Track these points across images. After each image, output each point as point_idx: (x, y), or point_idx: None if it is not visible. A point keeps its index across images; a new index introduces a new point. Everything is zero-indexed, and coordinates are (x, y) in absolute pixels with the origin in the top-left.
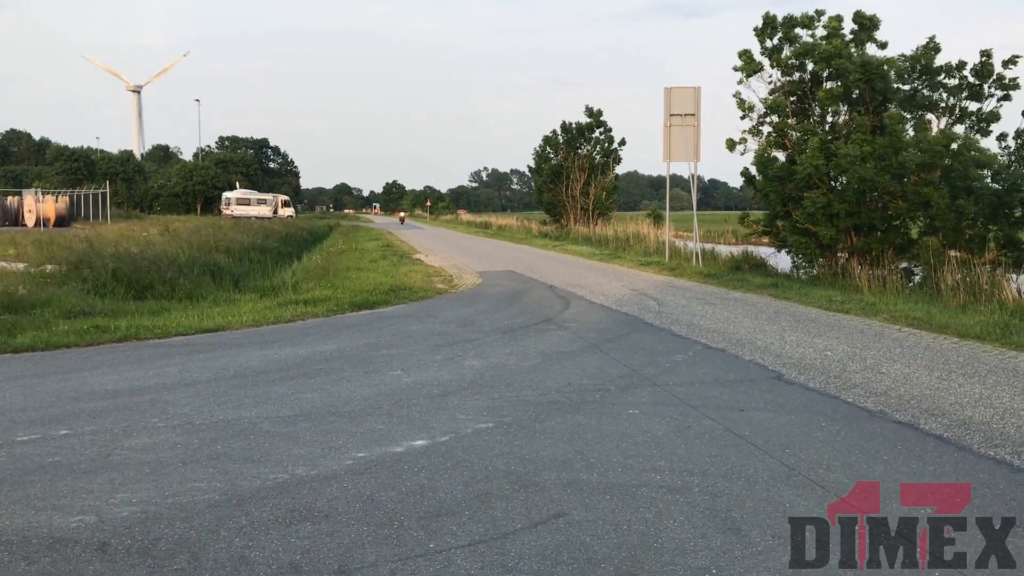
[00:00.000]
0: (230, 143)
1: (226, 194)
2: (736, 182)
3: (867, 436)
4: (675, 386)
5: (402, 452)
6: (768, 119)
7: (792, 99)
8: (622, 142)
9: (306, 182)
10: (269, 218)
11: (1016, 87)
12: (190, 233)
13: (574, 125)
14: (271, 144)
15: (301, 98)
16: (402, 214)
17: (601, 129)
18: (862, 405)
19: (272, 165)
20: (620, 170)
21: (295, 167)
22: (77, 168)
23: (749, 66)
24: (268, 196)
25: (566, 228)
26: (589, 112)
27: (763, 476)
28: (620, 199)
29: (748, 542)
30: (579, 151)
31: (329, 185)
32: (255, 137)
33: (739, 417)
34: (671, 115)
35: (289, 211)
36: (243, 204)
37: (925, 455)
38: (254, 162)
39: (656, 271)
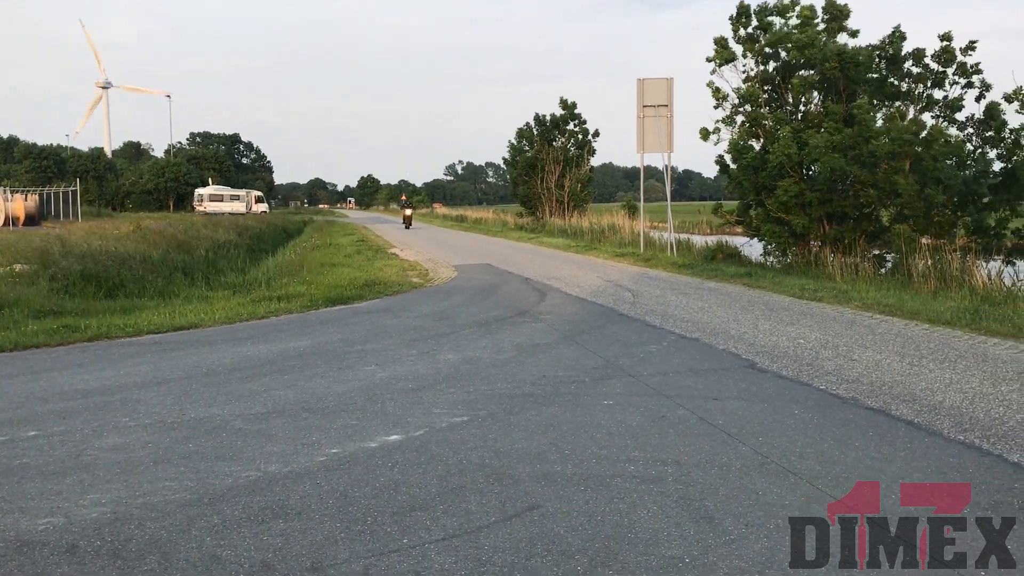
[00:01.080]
0: (202, 139)
1: (199, 191)
2: (710, 172)
3: (839, 423)
4: (649, 376)
5: (376, 448)
6: (742, 108)
7: (766, 88)
8: (596, 134)
9: (280, 177)
10: (242, 214)
11: (978, 72)
12: (162, 230)
13: (548, 117)
14: (243, 139)
15: (274, 93)
16: (408, 212)
17: (575, 121)
18: (834, 392)
19: (245, 161)
20: (595, 162)
21: (268, 162)
22: (47, 166)
23: (723, 55)
24: (241, 192)
25: (542, 221)
26: (563, 104)
27: (736, 465)
28: (595, 191)
29: (721, 531)
30: (553, 143)
31: (303, 180)
32: (227, 133)
33: (713, 406)
34: (644, 106)
35: (263, 207)
36: (216, 200)
37: (896, 441)
38: (226, 158)
39: (631, 262)
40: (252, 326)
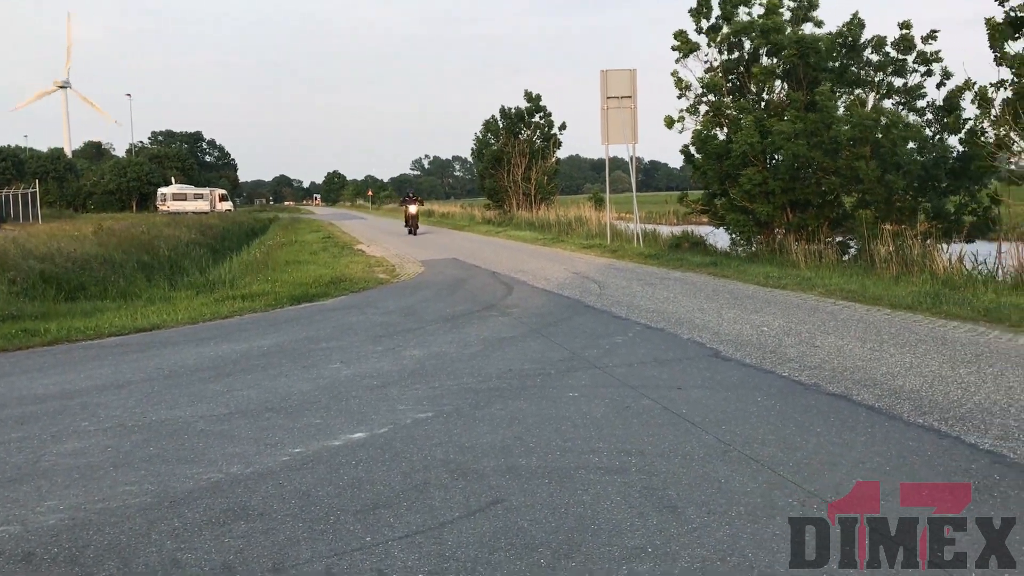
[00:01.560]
0: (164, 137)
1: (162, 190)
2: (677, 163)
3: (801, 409)
4: (615, 367)
5: (340, 446)
6: (705, 98)
7: (729, 77)
8: (562, 126)
9: (244, 175)
10: (207, 213)
11: (938, 60)
12: (124, 231)
13: (513, 110)
14: (206, 137)
15: (237, 90)
16: (413, 209)
17: (541, 114)
18: (797, 379)
19: (208, 159)
20: (561, 154)
21: (232, 160)
22: (4, 168)
23: (686, 46)
24: (205, 191)
25: (509, 214)
26: (528, 97)
27: (699, 453)
28: (562, 183)
29: (684, 519)
30: (519, 136)
31: (268, 177)
32: (189, 131)
33: (677, 395)
34: (608, 98)
35: (227, 205)
36: (179, 200)
37: (857, 425)
38: (189, 156)
39: (598, 254)
40: (216, 326)
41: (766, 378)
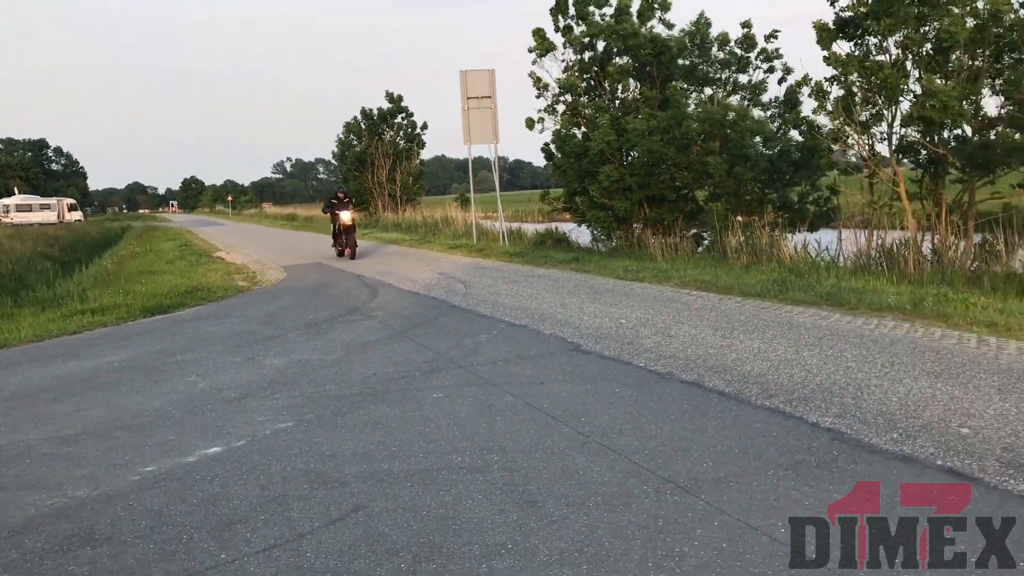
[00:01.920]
0: (4, 145)
1: (3, 201)
2: (541, 161)
3: (656, 398)
4: (479, 366)
5: (194, 462)
6: (563, 98)
7: (585, 77)
8: (424, 126)
9: (95, 183)
10: (54, 224)
11: (779, 57)
12: None
13: (375, 111)
14: (51, 145)
15: (84, 95)
16: (348, 217)
17: (403, 114)
18: (653, 368)
19: (55, 167)
20: (426, 154)
21: (81, 168)
22: None
23: (542, 46)
24: (52, 200)
25: (375, 216)
26: (390, 97)
27: (559, 446)
28: (429, 184)
29: (543, 513)
30: (382, 137)
31: (121, 185)
32: (33, 138)
33: (539, 391)
34: (468, 98)
35: (77, 215)
36: (24, 211)
37: (708, 411)
38: (33, 165)
39: (465, 253)
40: (63, 342)
41: (624, 369)
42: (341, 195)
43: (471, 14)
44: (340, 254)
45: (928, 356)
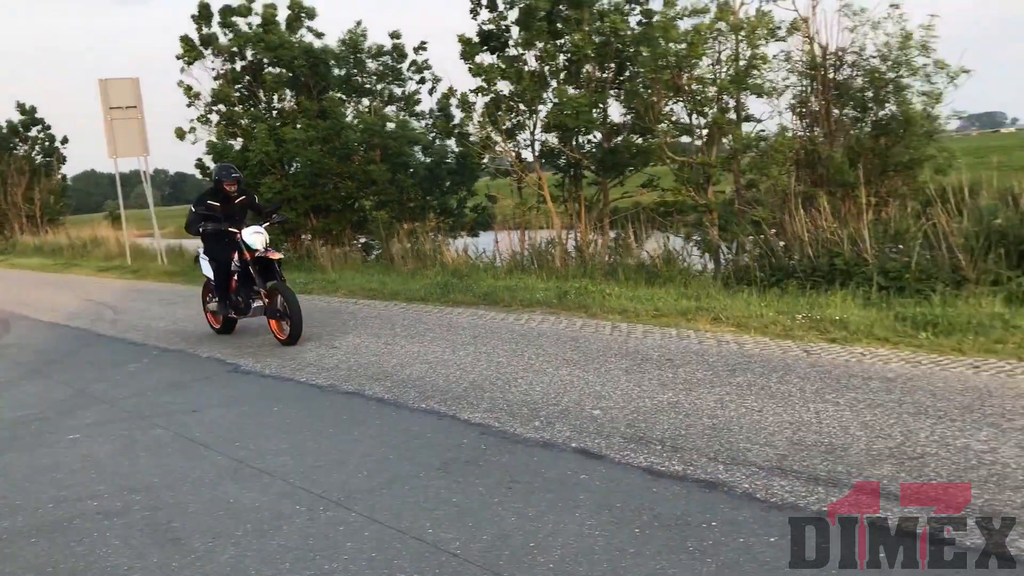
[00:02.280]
0: None
1: None
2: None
3: (316, 413)
4: (125, 399)
5: None
6: (216, 107)
7: (238, 87)
8: (64, 140)
9: None
10: None
11: (428, 68)
12: None
13: (5, 125)
14: None
15: None
16: (258, 245)
17: (39, 127)
18: (314, 383)
19: None
20: (72, 170)
21: None
22: None
23: (190, 53)
24: None
25: (11, 240)
26: (22, 109)
27: (210, 476)
28: (76, 201)
29: (188, 550)
30: (15, 152)
31: None
32: None
33: (191, 419)
34: (111, 108)
35: None
36: None
37: (367, 420)
38: None
39: (117, 276)
40: None
41: (284, 387)
42: (230, 186)
43: (110, 19)
44: (227, 327)
45: (569, 345)
